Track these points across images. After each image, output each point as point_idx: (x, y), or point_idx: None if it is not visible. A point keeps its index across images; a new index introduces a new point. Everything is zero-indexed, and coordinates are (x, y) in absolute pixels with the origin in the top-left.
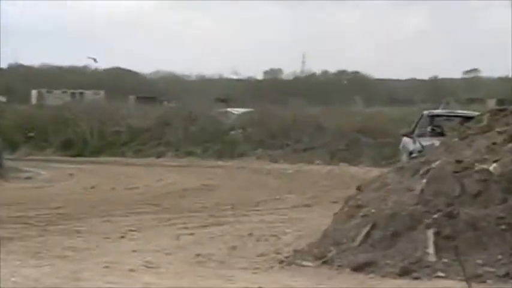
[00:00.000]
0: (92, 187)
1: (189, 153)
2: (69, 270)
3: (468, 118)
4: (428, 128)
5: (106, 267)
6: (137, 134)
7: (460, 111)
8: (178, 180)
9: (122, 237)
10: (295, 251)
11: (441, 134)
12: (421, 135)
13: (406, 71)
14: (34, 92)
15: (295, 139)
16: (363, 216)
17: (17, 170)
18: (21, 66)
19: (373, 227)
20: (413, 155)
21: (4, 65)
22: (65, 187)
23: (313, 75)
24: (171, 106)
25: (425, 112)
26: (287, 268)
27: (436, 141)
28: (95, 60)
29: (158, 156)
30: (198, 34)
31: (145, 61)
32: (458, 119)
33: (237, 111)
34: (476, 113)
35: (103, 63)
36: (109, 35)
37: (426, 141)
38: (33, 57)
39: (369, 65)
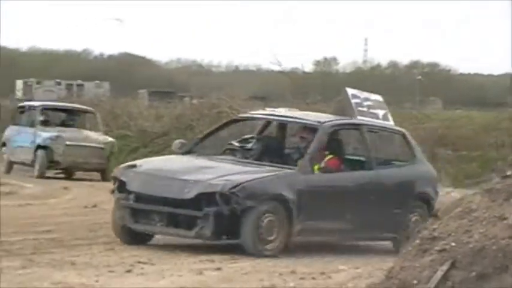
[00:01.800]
0: (93, 206)
1: None
2: None
3: None
4: None
5: None
6: (150, 139)
7: None
8: None
9: (129, 270)
10: None
11: None
12: None
13: (500, 64)
14: (19, 83)
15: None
16: (439, 251)
17: None
18: (4, 49)
19: (453, 265)
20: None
21: None
22: (58, 205)
23: (377, 67)
24: (194, 104)
25: None
26: None
27: None
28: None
29: None
30: (229, 15)
31: (161, 46)
32: None
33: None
34: None
35: (108, 48)
36: (116, 14)
37: None
38: (19, 38)
39: (450, 55)
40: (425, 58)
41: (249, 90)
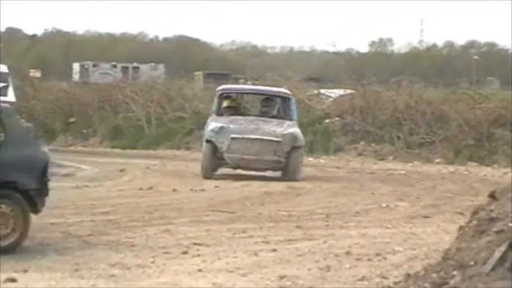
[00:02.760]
0: (149, 188)
1: None
2: None
3: None
4: None
5: None
6: (205, 121)
7: None
8: (258, 181)
9: (185, 252)
10: (407, 275)
11: None
12: None
13: None
14: (76, 66)
15: (409, 131)
16: (497, 232)
17: (54, 164)
18: (61, 32)
19: (510, 247)
20: None
21: (39, 32)
22: (115, 187)
23: (433, 47)
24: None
25: None
26: None
27: None
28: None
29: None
30: None
31: (216, 29)
32: None
33: (333, 93)
34: None
35: (163, 31)
36: None
37: None
38: (76, 22)
39: (508, 35)
40: (483, 38)
41: (303, 72)
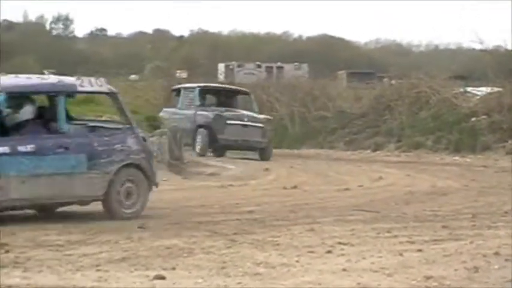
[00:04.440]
0: (293, 187)
1: (417, 146)
2: None
3: None
4: None
5: None
6: (349, 120)
7: None
8: (402, 181)
9: (329, 251)
10: None
11: None
12: None
13: None
14: (221, 66)
15: None
16: None
17: (200, 164)
18: (207, 33)
19: None
20: None
21: (186, 33)
22: (259, 186)
23: None
24: (393, 84)
25: None
26: None
27: None
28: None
29: (375, 149)
30: None
31: (360, 27)
32: None
33: (480, 91)
34: None
35: (307, 30)
36: None
37: None
38: (221, 22)
39: None
40: None
41: (449, 70)
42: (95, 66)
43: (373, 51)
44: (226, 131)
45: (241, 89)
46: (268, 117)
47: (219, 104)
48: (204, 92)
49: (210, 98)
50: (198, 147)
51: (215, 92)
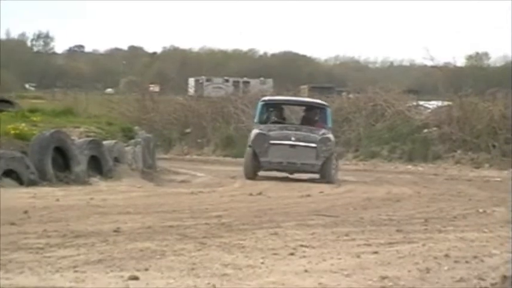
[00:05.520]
0: (258, 193)
1: (373, 155)
2: None
3: None
4: None
5: None
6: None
7: None
8: (359, 188)
9: (292, 253)
10: (504, 277)
11: None
12: None
13: None
14: (191, 80)
15: (505, 140)
16: None
17: (171, 172)
18: (178, 50)
19: None
20: None
21: (158, 49)
22: (227, 193)
23: None
24: (351, 98)
25: None
26: None
27: None
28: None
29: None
30: (384, 13)
31: (321, 45)
32: None
33: (431, 104)
34: None
35: (272, 47)
36: (277, 15)
37: None
38: (192, 40)
39: None
40: None
41: (403, 84)
42: (73, 80)
43: (333, 67)
44: (270, 152)
45: (315, 101)
46: (327, 135)
47: (285, 120)
48: (267, 106)
49: (276, 114)
50: (243, 170)
51: (280, 106)
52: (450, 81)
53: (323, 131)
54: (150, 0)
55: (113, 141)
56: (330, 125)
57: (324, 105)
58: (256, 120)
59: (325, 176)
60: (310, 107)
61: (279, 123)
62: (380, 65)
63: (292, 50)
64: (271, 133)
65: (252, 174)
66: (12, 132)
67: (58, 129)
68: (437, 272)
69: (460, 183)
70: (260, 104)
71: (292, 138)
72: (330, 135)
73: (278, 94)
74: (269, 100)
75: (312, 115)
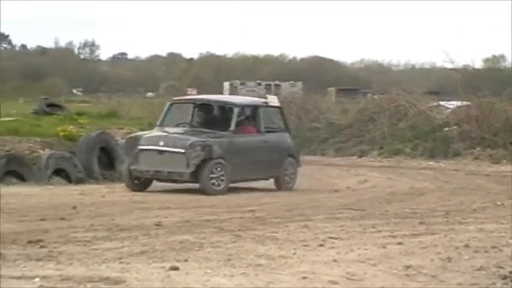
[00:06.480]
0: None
1: (396, 152)
2: (264, 280)
3: None
4: None
5: (304, 278)
6: (337, 131)
7: None
8: (384, 183)
9: (321, 245)
10: None
11: None
12: None
13: None
14: (226, 84)
15: None
16: None
17: None
18: (213, 56)
19: None
20: None
21: (195, 55)
22: (257, 189)
23: None
24: (375, 99)
25: None
26: None
27: None
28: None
29: (361, 156)
30: (406, 18)
31: (347, 49)
32: None
33: (451, 104)
34: None
35: (301, 52)
36: (306, 21)
37: None
38: (226, 46)
39: None
40: None
41: (424, 86)
42: (116, 85)
43: (358, 70)
44: (140, 159)
45: (227, 100)
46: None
47: (211, 122)
48: (175, 107)
49: (200, 115)
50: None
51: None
52: (469, 82)
53: (219, 134)
54: (188, 10)
55: None
56: (233, 127)
57: (234, 104)
58: (158, 122)
59: (201, 186)
60: (219, 107)
61: (191, 125)
62: (403, 67)
63: (320, 54)
64: (144, 137)
65: (130, 183)
66: (62, 133)
67: (103, 130)
68: (458, 261)
69: (478, 178)
70: (167, 104)
71: (161, 143)
72: (214, 140)
73: (307, 95)
74: (177, 100)
75: (223, 115)
